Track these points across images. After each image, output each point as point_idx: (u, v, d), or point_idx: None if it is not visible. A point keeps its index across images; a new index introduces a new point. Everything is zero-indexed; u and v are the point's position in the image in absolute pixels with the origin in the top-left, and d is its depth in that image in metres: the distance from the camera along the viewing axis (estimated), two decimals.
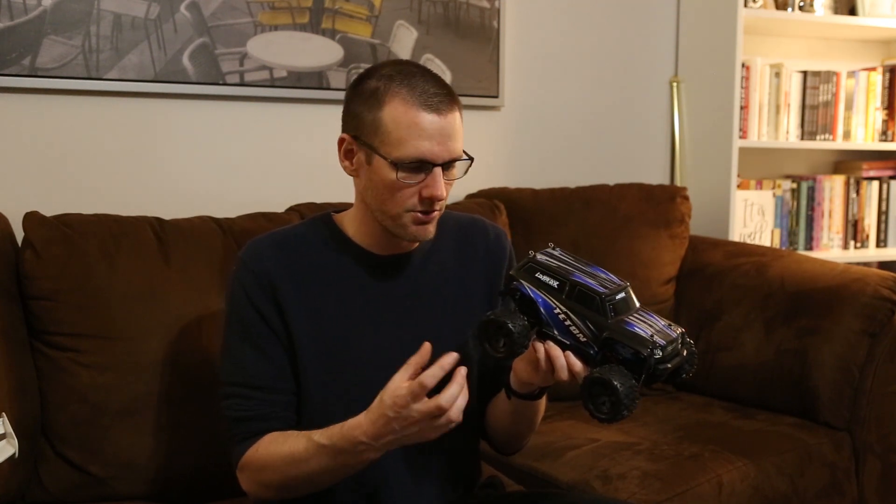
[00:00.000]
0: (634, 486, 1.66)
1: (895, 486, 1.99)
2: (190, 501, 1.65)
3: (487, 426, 1.47)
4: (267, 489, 1.31)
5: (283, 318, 1.32)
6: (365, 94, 1.29)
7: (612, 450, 1.78)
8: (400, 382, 1.16)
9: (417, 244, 1.40)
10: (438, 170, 1.27)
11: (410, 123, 1.25)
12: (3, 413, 1.19)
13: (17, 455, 1.15)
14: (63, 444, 1.60)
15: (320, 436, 1.24)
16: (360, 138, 1.30)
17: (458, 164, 1.31)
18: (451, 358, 1.17)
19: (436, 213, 1.31)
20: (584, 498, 1.57)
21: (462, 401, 1.17)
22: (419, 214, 1.29)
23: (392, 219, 1.30)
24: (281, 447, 1.28)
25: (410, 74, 1.28)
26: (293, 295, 1.33)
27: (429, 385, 1.15)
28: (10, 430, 1.15)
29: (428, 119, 1.25)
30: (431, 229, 1.32)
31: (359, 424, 1.20)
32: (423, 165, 1.26)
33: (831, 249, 2.90)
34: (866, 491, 1.97)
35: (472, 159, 1.32)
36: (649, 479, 1.67)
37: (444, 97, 1.27)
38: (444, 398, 1.14)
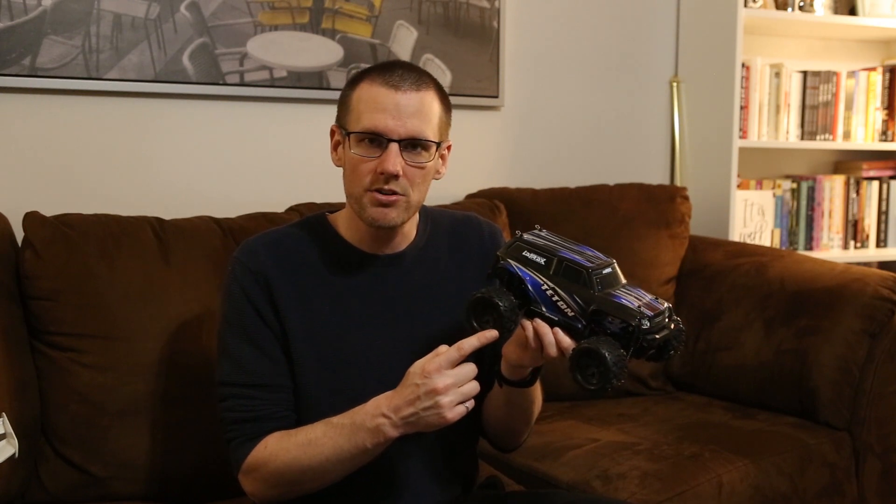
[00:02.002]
0: (634, 486, 1.66)
1: (895, 486, 1.99)
2: (190, 501, 1.65)
3: (484, 422, 1.47)
4: (275, 487, 1.30)
5: (278, 317, 1.33)
6: (350, 83, 1.34)
7: (612, 450, 1.78)
8: (431, 357, 1.21)
9: (410, 241, 1.40)
10: (393, 146, 1.27)
11: (369, 98, 1.29)
12: (3, 413, 1.19)
13: (17, 455, 1.15)
14: (63, 444, 1.60)
15: (339, 418, 1.26)
16: (340, 124, 1.34)
17: (429, 150, 1.31)
18: (492, 333, 1.22)
19: (396, 197, 1.30)
20: (584, 498, 1.57)
21: (474, 386, 1.22)
22: (376, 194, 1.29)
23: (356, 200, 1.32)
24: (295, 436, 1.28)
25: (391, 63, 1.33)
26: (288, 294, 1.33)
27: (466, 351, 1.20)
28: (10, 430, 1.15)
29: (384, 93, 1.28)
30: (392, 215, 1.31)
31: (382, 396, 1.23)
32: (378, 140, 1.28)
33: (831, 249, 2.90)
34: (866, 491, 1.97)
35: (438, 144, 1.33)
36: (649, 479, 1.67)
37: (410, 77, 1.29)
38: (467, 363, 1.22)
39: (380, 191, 1.29)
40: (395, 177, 1.28)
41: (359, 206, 1.32)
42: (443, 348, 1.22)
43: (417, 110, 1.29)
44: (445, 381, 1.19)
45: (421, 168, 1.31)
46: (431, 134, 1.31)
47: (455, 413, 1.20)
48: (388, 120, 1.27)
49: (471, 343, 1.21)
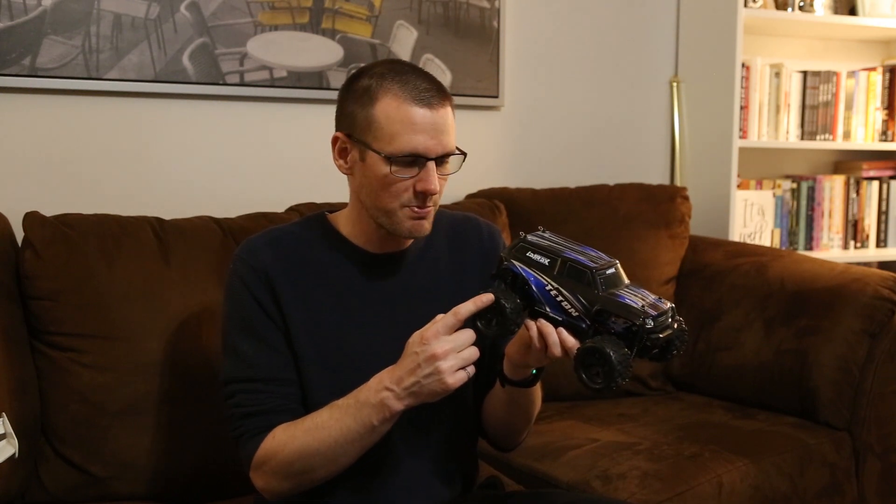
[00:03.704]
0: (634, 486, 1.66)
1: (895, 486, 1.99)
2: (190, 501, 1.65)
3: (483, 421, 1.48)
4: (287, 478, 1.29)
5: (281, 313, 1.33)
6: (357, 92, 1.31)
7: (612, 450, 1.78)
8: (428, 326, 1.21)
9: (411, 242, 1.41)
10: (432, 164, 1.28)
11: (403, 118, 1.27)
12: (3, 413, 1.19)
13: (17, 455, 1.15)
14: (63, 444, 1.60)
15: (343, 399, 1.26)
16: (353, 136, 1.32)
17: (451, 159, 1.33)
18: (488, 297, 1.22)
19: (430, 208, 1.32)
20: (584, 498, 1.57)
21: (473, 351, 1.21)
22: (415, 209, 1.30)
23: (387, 215, 1.32)
24: (302, 423, 1.28)
25: (402, 72, 1.31)
26: (289, 291, 1.33)
27: (463, 315, 1.21)
28: (10, 430, 1.15)
29: (420, 113, 1.27)
30: (427, 225, 1.33)
31: (384, 371, 1.24)
32: (416, 160, 1.28)
33: (831, 249, 2.90)
34: (866, 491, 1.97)
35: (465, 154, 1.34)
36: (649, 479, 1.67)
37: (435, 92, 1.29)
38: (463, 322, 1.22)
39: (417, 206, 1.30)
40: (434, 193, 1.30)
41: (391, 220, 1.32)
42: (440, 316, 1.22)
43: (447, 125, 1.30)
44: (444, 346, 1.19)
45: (446, 178, 1.33)
46: (455, 144, 1.32)
47: (456, 378, 1.20)
48: (427, 141, 1.27)
49: (467, 308, 1.22)
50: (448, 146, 1.30)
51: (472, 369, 1.22)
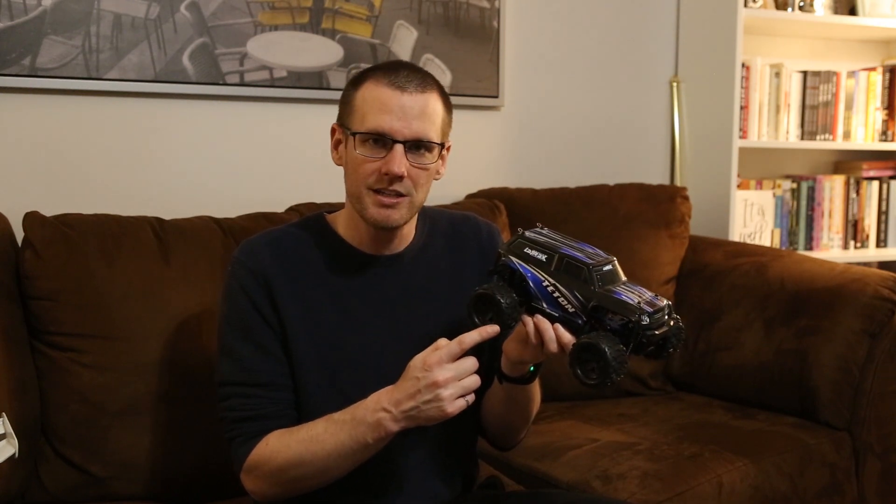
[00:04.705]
0: (634, 486, 1.66)
1: (895, 486, 1.99)
2: (190, 501, 1.65)
3: (483, 419, 1.48)
4: (277, 484, 1.30)
5: (279, 316, 1.33)
6: (353, 83, 1.34)
7: (612, 450, 1.78)
8: (432, 350, 1.21)
9: (409, 242, 1.41)
10: (399, 147, 1.28)
11: (374, 98, 1.29)
12: (3, 413, 1.19)
13: (17, 455, 1.15)
14: (63, 444, 1.60)
15: (340, 414, 1.26)
16: (342, 123, 1.35)
17: (433, 151, 1.32)
18: (493, 328, 1.22)
19: (400, 199, 1.30)
20: (584, 498, 1.57)
21: (475, 380, 1.22)
22: (379, 196, 1.30)
23: (358, 199, 1.32)
24: (296, 433, 1.28)
25: (394, 64, 1.34)
26: (288, 293, 1.33)
27: (467, 344, 1.21)
28: (10, 430, 1.15)
29: (390, 94, 1.28)
30: (395, 216, 1.31)
31: (382, 391, 1.24)
32: (383, 140, 1.28)
33: (831, 249, 2.90)
34: (866, 491, 1.97)
35: (441, 145, 1.33)
36: (649, 479, 1.67)
37: (415, 79, 1.30)
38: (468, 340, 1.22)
39: (382, 191, 1.29)
40: (400, 178, 1.28)
41: (360, 206, 1.32)
42: (443, 342, 1.22)
43: (422, 112, 1.29)
44: (446, 374, 1.19)
45: (424, 169, 1.31)
46: (435, 135, 1.31)
47: (455, 406, 1.20)
48: (393, 121, 1.27)
49: (472, 337, 1.22)
50: (419, 132, 1.29)
51: (471, 397, 1.23)
